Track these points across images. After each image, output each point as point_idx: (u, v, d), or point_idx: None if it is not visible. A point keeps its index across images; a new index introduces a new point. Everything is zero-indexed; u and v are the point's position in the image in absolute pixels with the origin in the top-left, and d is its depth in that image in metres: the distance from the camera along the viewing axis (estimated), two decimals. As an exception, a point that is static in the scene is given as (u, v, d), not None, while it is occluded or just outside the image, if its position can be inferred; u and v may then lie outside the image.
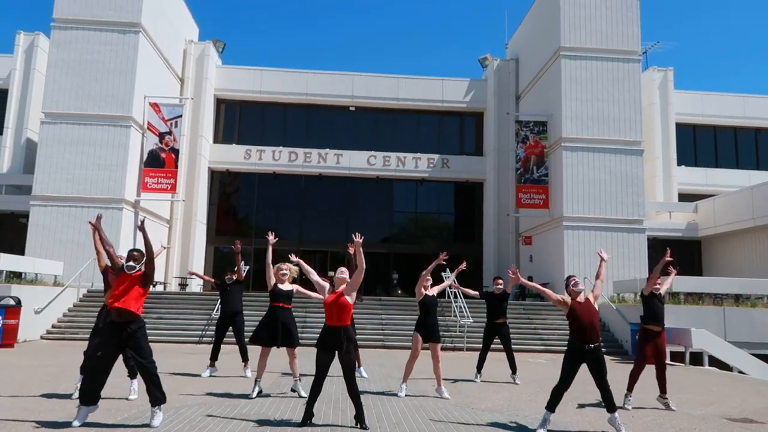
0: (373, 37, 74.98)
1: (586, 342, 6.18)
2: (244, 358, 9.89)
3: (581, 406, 7.88)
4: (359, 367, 10.01)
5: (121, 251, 19.74)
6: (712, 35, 72.74)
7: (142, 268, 6.08)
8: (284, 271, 8.01)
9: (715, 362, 14.37)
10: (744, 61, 70.92)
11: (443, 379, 8.54)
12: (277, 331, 7.80)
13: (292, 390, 8.06)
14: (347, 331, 6.10)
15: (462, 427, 6.38)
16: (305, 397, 7.08)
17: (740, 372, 13.73)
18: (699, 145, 28.14)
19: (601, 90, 22.13)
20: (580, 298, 6.42)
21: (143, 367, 5.87)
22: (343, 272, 6.30)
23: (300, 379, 8.07)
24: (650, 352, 8.00)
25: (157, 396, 5.88)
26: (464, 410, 7.36)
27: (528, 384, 9.85)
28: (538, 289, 6.96)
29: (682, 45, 65.63)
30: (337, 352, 6.04)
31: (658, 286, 8.41)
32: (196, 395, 7.80)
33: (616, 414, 6.19)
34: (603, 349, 6.68)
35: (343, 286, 6.22)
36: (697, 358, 14.57)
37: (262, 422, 6.26)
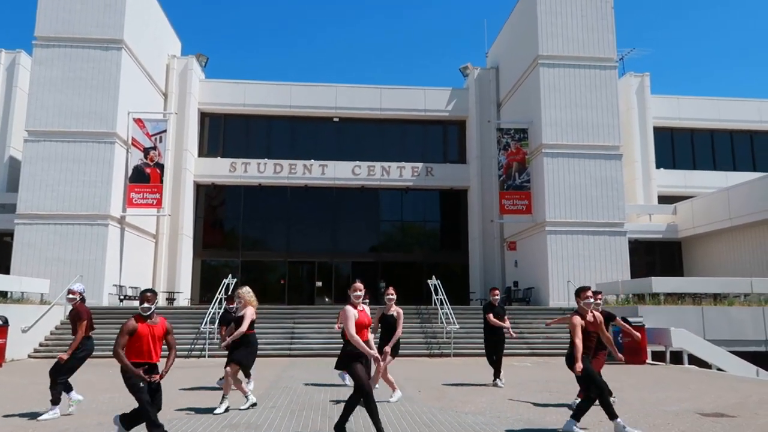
0: (356, 48, 75.51)
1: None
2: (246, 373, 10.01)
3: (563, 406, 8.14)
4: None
5: (107, 267, 19.82)
6: (685, 40, 74.26)
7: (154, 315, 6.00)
8: (240, 299, 8.00)
9: (694, 360, 14.74)
10: (717, 64, 72.45)
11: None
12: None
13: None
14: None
15: (445, 429, 6.60)
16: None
17: (719, 369, 14.10)
18: (677, 147, 28.73)
19: (580, 96, 22.61)
20: (589, 316, 6.52)
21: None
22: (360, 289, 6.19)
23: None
24: (602, 357, 8.19)
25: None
26: (448, 413, 7.59)
27: (512, 387, 10.10)
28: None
29: (657, 51, 66.91)
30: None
31: (599, 302, 8.76)
32: (187, 408, 7.95)
33: (619, 419, 6.25)
34: None
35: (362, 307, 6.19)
36: (677, 357, 14.93)
37: (250, 428, 6.44)
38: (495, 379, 10.27)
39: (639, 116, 27.49)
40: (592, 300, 6.57)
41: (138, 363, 5.74)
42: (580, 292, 6.57)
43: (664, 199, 26.67)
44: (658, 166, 27.37)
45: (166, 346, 6.02)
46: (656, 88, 33.14)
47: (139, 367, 5.71)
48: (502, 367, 10.52)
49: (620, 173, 22.29)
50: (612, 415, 6.22)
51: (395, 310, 8.90)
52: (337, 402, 8.45)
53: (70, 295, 7.68)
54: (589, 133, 22.35)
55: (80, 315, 7.48)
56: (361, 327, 6.02)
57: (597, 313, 6.73)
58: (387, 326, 8.84)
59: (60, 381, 7.33)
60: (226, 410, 7.56)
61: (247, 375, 9.81)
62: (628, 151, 26.29)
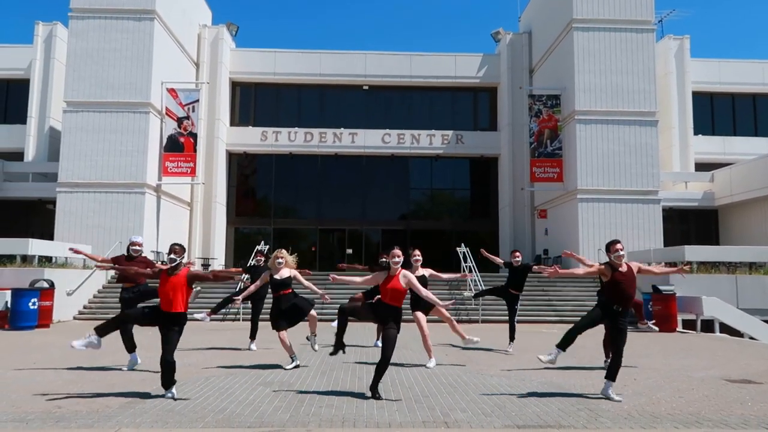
0: (385, 14, 74.38)
1: (616, 305, 6.42)
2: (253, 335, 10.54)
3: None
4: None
5: (145, 234, 20.49)
6: (729, 0, 70.79)
7: (185, 266, 6.41)
8: (279, 260, 8.31)
9: (726, 329, 14.61)
10: (763, 26, 69.02)
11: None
12: (286, 315, 8.26)
13: (307, 339, 8.82)
14: (397, 312, 6.40)
15: (470, 389, 6.81)
16: (316, 350, 8.71)
17: (751, 338, 13.96)
18: (716, 113, 27.81)
19: (615, 61, 22.02)
20: (623, 268, 6.56)
21: (164, 358, 6.17)
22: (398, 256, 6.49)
23: (316, 334, 8.71)
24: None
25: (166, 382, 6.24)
26: (473, 375, 7.80)
27: (539, 352, 10.21)
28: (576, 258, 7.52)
29: (698, 12, 64.04)
30: (384, 324, 6.40)
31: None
32: (225, 367, 8.35)
33: (613, 384, 6.39)
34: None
35: (399, 271, 6.43)
36: (708, 326, 14.81)
37: (283, 385, 6.76)
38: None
39: (677, 81, 26.62)
40: (622, 252, 6.58)
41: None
42: (610, 246, 6.63)
43: (701, 167, 25.96)
44: (696, 133, 26.59)
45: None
46: (696, 52, 31.86)
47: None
48: (530, 333, 10.65)
49: (655, 140, 21.80)
50: (562, 346, 6.68)
51: (423, 271, 9.08)
52: (366, 363, 8.74)
53: (136, 247, 8.54)
54: (623, 99, 21.83)
55: (148, 263, 8.31)
56: (389, 292, 6.35)
57: (632, 264, 6.70)
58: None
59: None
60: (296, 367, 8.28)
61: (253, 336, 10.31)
62: (665, 118, 25.60)
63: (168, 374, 6.13)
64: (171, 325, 6.20)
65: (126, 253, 8.64)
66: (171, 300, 6.20)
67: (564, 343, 6.68)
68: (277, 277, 8.25)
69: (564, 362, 9.05)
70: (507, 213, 26.03)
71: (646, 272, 6.86)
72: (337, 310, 6.91)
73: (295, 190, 27.37)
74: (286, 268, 8.34)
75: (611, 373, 6.43)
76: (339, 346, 6.72)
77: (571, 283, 19.03)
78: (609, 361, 6.89)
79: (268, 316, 8.45)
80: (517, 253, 10.72)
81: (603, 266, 6.60)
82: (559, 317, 16.71)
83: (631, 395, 6.58)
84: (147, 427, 5.13)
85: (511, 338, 10.39)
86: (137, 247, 8.52)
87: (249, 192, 27.92)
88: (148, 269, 7.06)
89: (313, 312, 8.44)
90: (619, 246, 6.55)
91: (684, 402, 6.27)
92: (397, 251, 6.45)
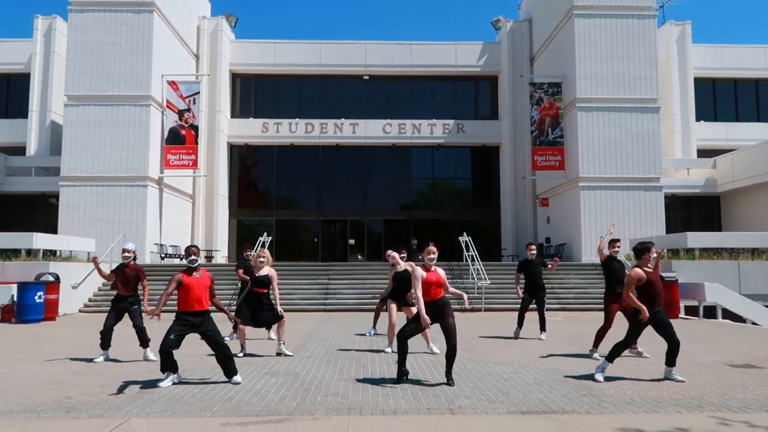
0: (385, 2, 73.98)
1: (655, 305, 6.67)
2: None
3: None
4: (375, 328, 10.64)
5: (148, 227, 20.56)
6: (735, -17, 70.22)
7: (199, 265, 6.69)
8: (262, 259, 8.52)
9: (729, 315, 14.66)
10: (764, 10, 68.51)
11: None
12: (257, 315, 8.41)
13: (278, 354, 8.55)
14: (445, 301, 6.56)
15: (474, 377, 6.87)
16: (291, 355, 8.45)
17: (753, 323, 14.02)
18: (719, 99, 27.70)
19: (616, 48, 21.93)
20: (650, 266, 6.81)
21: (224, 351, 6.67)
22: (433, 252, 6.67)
23: (284, 342, 8.67)
24: (615, 311, 8.30)
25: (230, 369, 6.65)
26: (478, 363, 7.86)
27: (542, 340, 10.30)
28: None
29: (702, -5, 63.51)
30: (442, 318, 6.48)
31: (617, 249, 8.66)
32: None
33: (673, 369, 6.70)
34: None
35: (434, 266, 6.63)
36: (711, 312, 14.87)
37: (289, 374, 6.83)
38: (540, 332, 10.44)
39: (679, 67, 26.49)
40: (654, 255, 6.90)
41: (187, 312, 6.41)
42: (644, 252, 6.80)
43: (703, 153, 25.92)
44: (698, 119, 26.51)
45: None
46: (698, 37, 31.85)
47: (188, 316, 6.41)
48: (529, 322, 10.70)
49: (657, 127, 21.75)
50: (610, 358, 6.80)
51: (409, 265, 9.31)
52: (371, 351, 8.81)
53: (126, 254, 8.56)
54: (625, 86, 21.76)
55: (138, 269, 8.61)
56: (431, 285, 6.49)
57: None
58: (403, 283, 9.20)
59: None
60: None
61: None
62: (667, 104, 25.52)
63: (228, 361, 6.60)
64: (209, 322, 6.54)
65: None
66: (202, 299, 6.50)
67: (612, 356, 6.81)
68: (258, 274, 8.47)
69: (567, 350, 9.13)
70: (509, 202, 26.04)
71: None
72: (396, 336, 6.74)
73: (297, 181, 27.40)
74: (267, 266, 8.52)
75: (670, 360, 6.71)
76: (402, 373, 6.61)
77: (574, 271, 19.09)
78: (632, 349, 8.00)
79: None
80: (533, 246, 10.72)
81: (641, 274, 6.70)
82: (561, 305, 16.77)
83: (634, 381, 6.64)
84: (156, 416, 5.20)
85: (542, 328, 10.43)
86: (127, 254, 8.59)
87: (251, 184, 27.96)
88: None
89: (284, 319, 8.54)
90: (653, 249, 6.84)
91: (686, 387, 6.33)
92: (432, 248, 6.67)
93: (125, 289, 8.44)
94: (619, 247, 8.77)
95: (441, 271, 6.66)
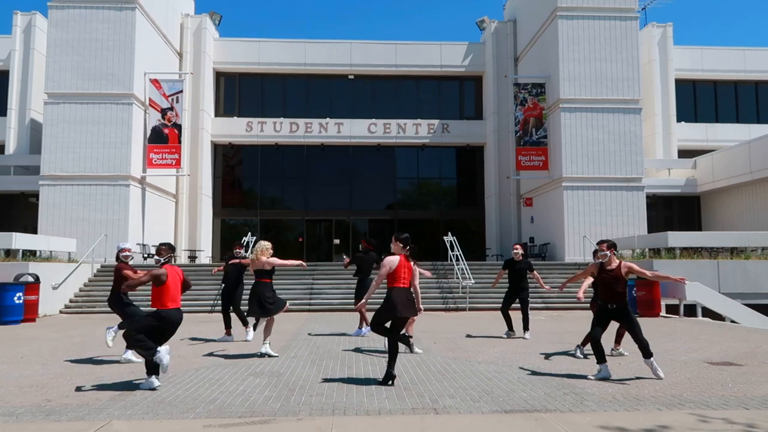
0: (370, 2, 73.93)
1: (606, 302, 6.97)
2: (244, 322, 10.53)
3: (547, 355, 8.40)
4: (362, 328, 10.69)
5: (130, 227, 20.35)
6: (715, -14, 71.27)
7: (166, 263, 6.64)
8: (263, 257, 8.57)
9: (709, 313, 14.88)
10: (745, 11, 69.69)
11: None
12: (264, 305, 8.37)
13: (262, 355, 8.39)
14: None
15: (458, 376, 6.90)
16: (276, 356, 8.33)
17: (732, 321, 14.25)
18: (699, 100, 28.10)
19: (599, 49, 22.15)
20: (612, 266, 6.98)
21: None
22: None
23: (270, 342, 8.57)
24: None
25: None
26: (462, 362, 7.89)
27: (525, 339, 10.36)
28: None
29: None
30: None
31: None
32: (214, 356, 8.36)
33: (652, 359, 6.85)
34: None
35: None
36: (691, 310, 15.09)
37: (273, 375, 6.81)
38: (524, 332, 10.49)
39: (660, 68, 26.83)
40: (605, 252, 7.09)
41: (176, 309, 6.50)
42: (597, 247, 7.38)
43: (684, 154, 26.29)
44: (679, 120, 26.87)
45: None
46: (679, 39, 32.13)
47: (174, 313, 6.45)
48: (516, 320, 10.78)
49: (639, 127, 22.01)
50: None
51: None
52: (357, 351, 8.81)
53: (125, 253, 8.40)
54: (608, 87, 21.99)
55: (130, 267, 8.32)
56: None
57: (625, 264, 7.05)
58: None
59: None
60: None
61: (245, 324, 10.41)
62: (649, 105, 25.85)
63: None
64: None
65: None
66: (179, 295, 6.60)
67: (600, 357, 6.89)
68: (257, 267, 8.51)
69: (550, 348, 9.20)
70: (493, 201, 26.18)
71: (638, 273, 7.07)
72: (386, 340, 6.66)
73: (282, 180, 27.29)
74: (264, 257, 8.51)
75: (645, 353, 6.83)
76: (390, 376, 6.43)
77: (557, 271, 19.24)
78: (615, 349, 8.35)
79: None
80: (518, 246, 10.74)
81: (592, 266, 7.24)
82: (545, 305, 16.90)
83: (616, 379, 6.71)
84: (138, 418, 5.15)
85: (526, 327, 10.51)
86: (127, 254, 8.39)
87: (235, 183, 27.78)
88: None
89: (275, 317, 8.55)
90: (603, 246, 7.11)
91: (667, 384, 6.42)
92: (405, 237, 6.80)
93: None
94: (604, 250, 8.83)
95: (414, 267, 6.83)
